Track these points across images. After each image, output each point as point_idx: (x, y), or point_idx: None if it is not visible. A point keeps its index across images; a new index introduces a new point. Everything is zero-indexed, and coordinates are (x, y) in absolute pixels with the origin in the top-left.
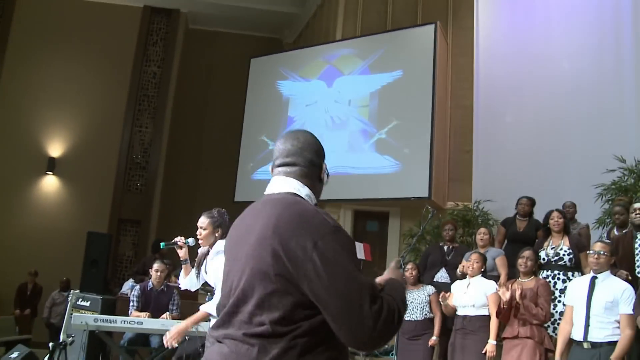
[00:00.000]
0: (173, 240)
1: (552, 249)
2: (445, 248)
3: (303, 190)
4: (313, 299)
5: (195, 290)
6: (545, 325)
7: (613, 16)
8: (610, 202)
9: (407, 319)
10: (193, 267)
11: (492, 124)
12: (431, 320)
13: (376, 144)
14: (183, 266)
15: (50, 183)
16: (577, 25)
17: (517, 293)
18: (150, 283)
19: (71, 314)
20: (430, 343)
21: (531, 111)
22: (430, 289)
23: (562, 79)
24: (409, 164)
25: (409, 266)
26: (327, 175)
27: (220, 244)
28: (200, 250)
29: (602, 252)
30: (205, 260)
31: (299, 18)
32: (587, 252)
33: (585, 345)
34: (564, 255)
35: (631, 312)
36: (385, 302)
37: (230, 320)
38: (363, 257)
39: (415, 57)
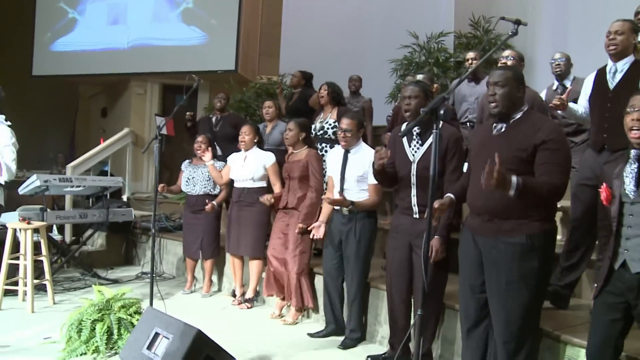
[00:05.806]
0: None
1: (320, 122)
2: (214, 119)
3: None
4: None
5: None
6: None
7: None
8: (403, 77)
9: (189, 193)
10: None
11: None
12: (211, 195)
13: (183, 13)
14: None
15: None
16: None
17: None
18: None
19: None
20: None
21: None
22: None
23: None
24: (217, 36)
25: (199, 139)
26: None
27: None
28: None
29: (348, 130)
30: None
31: None
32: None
33: (344, 210)
34: (328, 128)
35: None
36: None
37: None
38: (165, 132)
39: None
